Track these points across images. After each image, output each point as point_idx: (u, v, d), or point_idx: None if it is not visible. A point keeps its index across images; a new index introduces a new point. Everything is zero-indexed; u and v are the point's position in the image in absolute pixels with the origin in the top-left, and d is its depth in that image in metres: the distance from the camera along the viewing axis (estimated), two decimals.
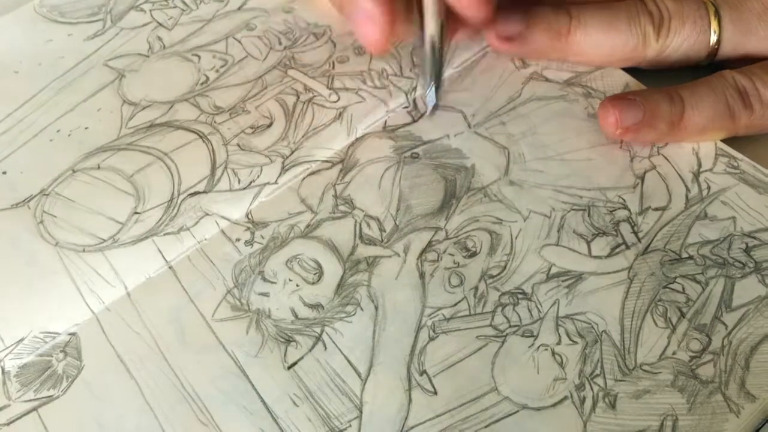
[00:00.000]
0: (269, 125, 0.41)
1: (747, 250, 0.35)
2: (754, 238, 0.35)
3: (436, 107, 0.40)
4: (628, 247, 0.35)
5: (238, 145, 0.40)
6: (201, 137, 0.41)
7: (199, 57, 0.45)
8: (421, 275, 0.35)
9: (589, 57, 0.41)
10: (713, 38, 0.40)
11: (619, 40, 0.40)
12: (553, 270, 0.35)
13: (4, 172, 0.40)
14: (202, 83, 0.44)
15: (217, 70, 0.44)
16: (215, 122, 0.41)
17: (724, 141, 0.39)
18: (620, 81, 0.42)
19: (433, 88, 0.39)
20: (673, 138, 0.39)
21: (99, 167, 0.40)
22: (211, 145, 0.40)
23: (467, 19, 0.37)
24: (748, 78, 0.38)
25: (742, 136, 0.39)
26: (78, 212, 0.38)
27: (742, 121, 0.38)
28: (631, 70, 0.42)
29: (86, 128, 0.42)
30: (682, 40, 0.40)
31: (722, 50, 0.40)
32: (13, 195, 0.39)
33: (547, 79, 0.42)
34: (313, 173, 0.39)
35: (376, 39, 0.35)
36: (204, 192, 0.38)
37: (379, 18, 0.35)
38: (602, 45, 0.40)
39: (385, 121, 0.41)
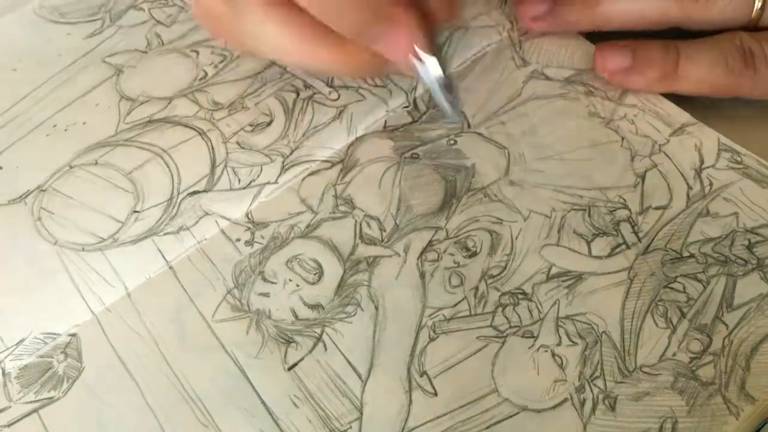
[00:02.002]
0: (269, 123, 0.41)
1: (749, 247, 0.35)
2: (757, 234, 0.35)
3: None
4: (628, 247, 0.35)
5: (238, 143, 0.40)
6: (200, 134, 0.41)
7: (197, 52, 0.45)
8: (422, 275, 0.35)
9: (619, 22, 0.41)
10: (758, 2, 0.39)
11: (650, 4, 0.40)
12: (554, 270, 0.35)
13: (0, 168, 0.40)
14: (200, 79, 0.43)
15: (215, 66, 0.44)
16: (214, 118, 0.41)
17: (727, 136, 0.39)
18: None
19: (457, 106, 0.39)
20: (667, 88, 0.39)
21: (96, 163, 0.40)
22: (211, 142, 0.40)
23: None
24: (756, 40, 0.38)
25: (755, 98, 0.39)
26: (76, 209, 0.38)
27: (745, 80, 0.38)
28: None
29: (83, 123, 0.42)
30: (724, 5, 0.39)
31: (766, 15, 0.39)
32: (9, 190, 0.39)
33: (547, 78, 0.42)
34: (313, 173, 0.39)
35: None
36: (204, 191, 0.38)
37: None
38: (632, 10, 0.40)
39: (385, 121, 0.40)
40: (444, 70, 0.35)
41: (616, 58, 0.39)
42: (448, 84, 0.36)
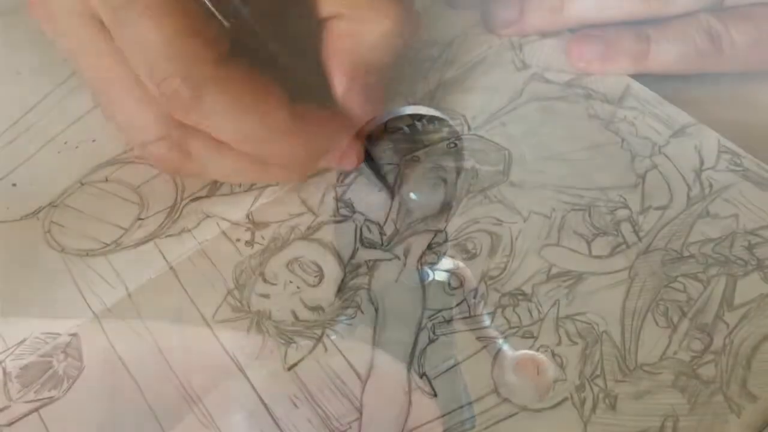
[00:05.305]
0: None
1: (749, 248, 0.35)
2: (757, 235, 0.35)
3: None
4: (628, 247, 0.35)
5: None
6: None
7: None
8: (421, 278, 0.35)
9: (587, 23, 0.43)
10: None
11: (617, 6, 0.42)
12: (553, 270, 0.35)
13: (14, 184, 0.41)
14: None
15: None
16: None
17: (727, 137, 0.39)
18: (621, 83, 0.41)
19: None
20: (639, 71, 0.42)
21: (107, 180, 0.40)
22: None
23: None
24: (721, 21, 0.40)
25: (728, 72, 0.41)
26: (85, 221, 0.38)
27: (712, 60, 0.40)
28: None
29: (93, 141, 0.42)
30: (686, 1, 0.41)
31: None
32: (23, 207, 0.39)
33: (547, 81, 0.42)
34: (313, 175, 0.39)
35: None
36: (206, 197, 0.39)
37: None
38: (598, 14, 0.42)
39: (385, 124, 0.41)
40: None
41: (591, 47, 0.42)
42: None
